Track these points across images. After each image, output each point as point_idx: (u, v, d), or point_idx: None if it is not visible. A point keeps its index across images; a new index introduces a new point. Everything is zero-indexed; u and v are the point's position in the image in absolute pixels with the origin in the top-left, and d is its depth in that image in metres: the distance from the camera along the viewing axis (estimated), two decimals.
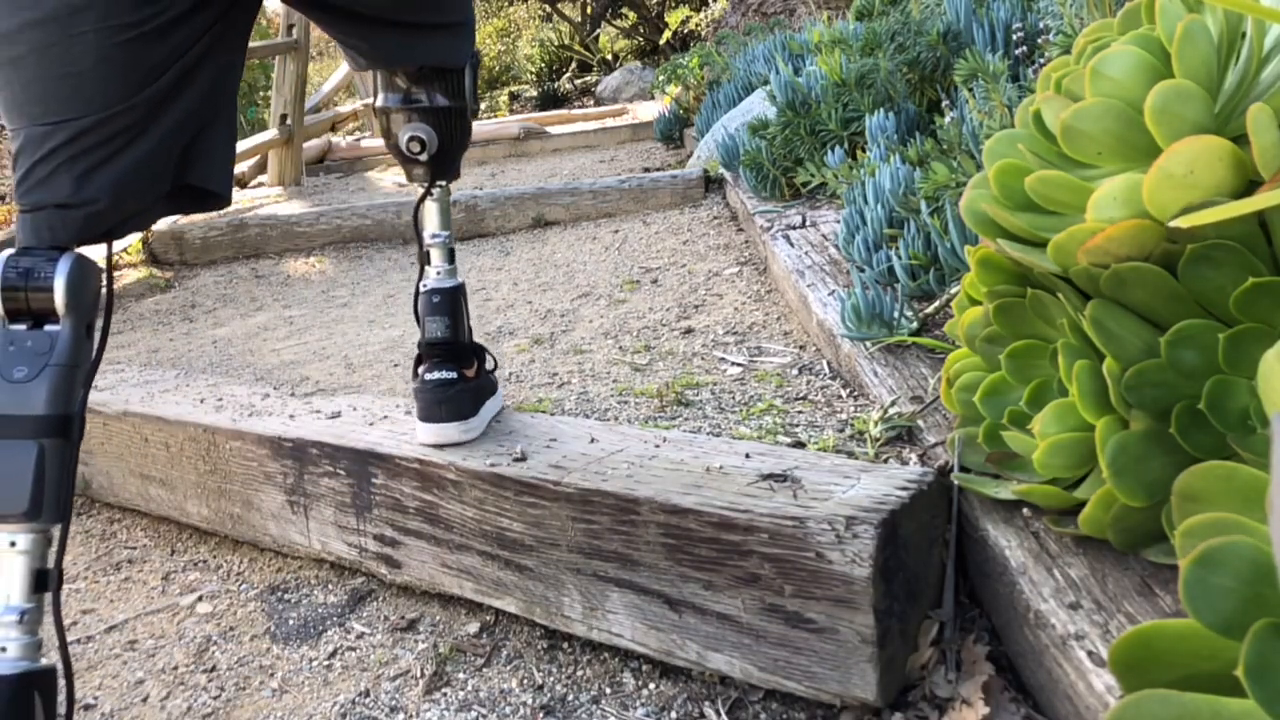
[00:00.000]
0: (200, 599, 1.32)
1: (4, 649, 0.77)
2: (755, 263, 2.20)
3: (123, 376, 1.74)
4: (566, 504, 0.99)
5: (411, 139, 1.11)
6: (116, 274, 3.18)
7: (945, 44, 2.28)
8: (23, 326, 0.80)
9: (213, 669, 1.14)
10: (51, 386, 0.79)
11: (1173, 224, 0.66)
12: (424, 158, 1.13)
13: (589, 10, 12.25)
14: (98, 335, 0.86)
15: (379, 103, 1.13)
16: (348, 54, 1.12)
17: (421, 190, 1.18)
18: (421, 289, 1.18)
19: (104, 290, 0.85)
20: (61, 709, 0.82)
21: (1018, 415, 0.87)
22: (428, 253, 1.20)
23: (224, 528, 1.43)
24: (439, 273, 1.19)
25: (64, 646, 0.82)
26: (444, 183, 1.19)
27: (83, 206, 0.82)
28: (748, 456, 1.00)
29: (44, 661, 0.80)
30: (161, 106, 0.85)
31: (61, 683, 0.82)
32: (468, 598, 1.12)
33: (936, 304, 1.35)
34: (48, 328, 0.80)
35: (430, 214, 1.20)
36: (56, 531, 0.82)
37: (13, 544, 0.79)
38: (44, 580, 0.80)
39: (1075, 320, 0.79)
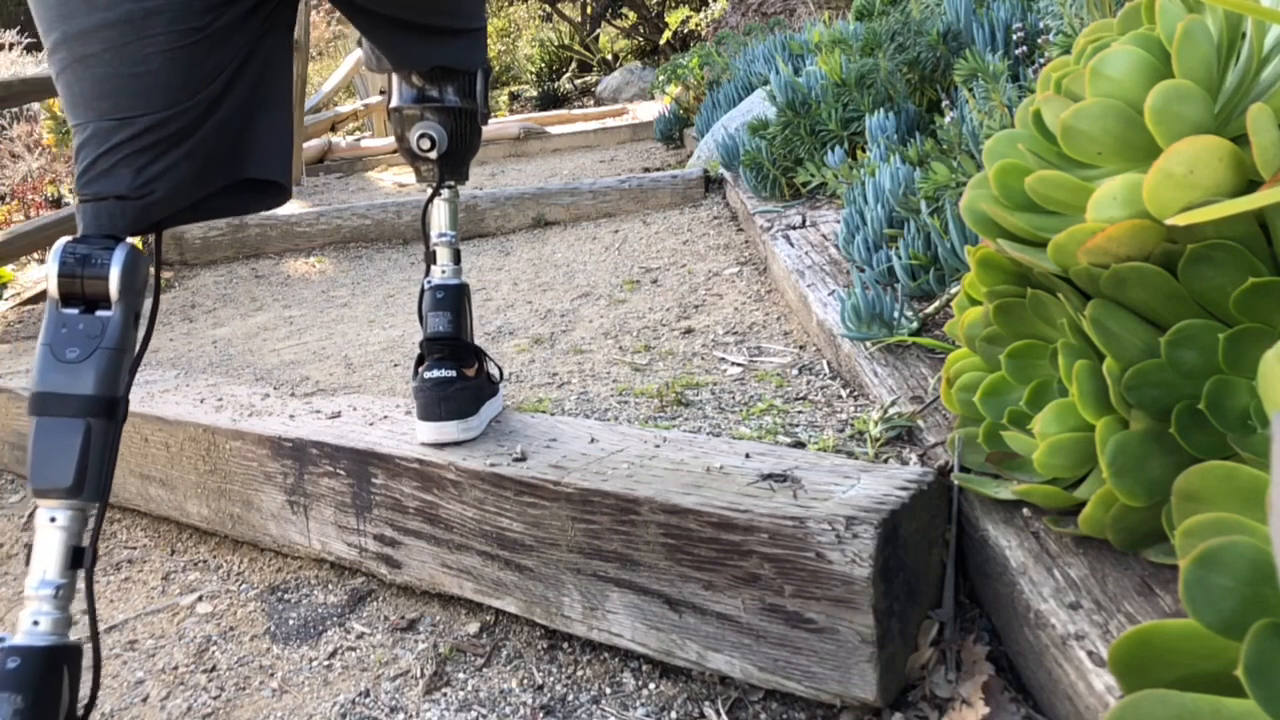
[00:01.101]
0: (200, 599, 1.32)
1: (36, 623, 0.79)
2: (755, 263, 2.20)
3: None
4: (566, 504, 0.99)
5: (422, 136, 1.14)
6: None
7: (945, 44, 2.28)
8: (75, 311, 0.84)
9: (213, 669, 1.14)
10: (101, 368, 0.82)
11: (1170, 221, 0.66)
12: (433, 155, 1.15)
13: (589, 10, 12.26)
14: (143, 327, 0.89)
15: (393, 102, 1.17)
16: (366, 54, 1.16)
17: (430, 190, 1.20)
18: (426, 285, 1.18)
19: (150, 281, 0.89)
20: (86, 688, 0.84)
21: (1018, 415, 0.87)
22: (434, 252, 1.21)
23: (224, 528, 1.43)
24: (444, 271, 1.20)
25: (94, 624, 0.84)
26: (453, 183, 1.20)
27: (141, 199, 0.85)
28: (748, 456, 1.00)
29: (72, 639, 0.82)
30: (216, 104, 0.89)
31: (88, 662, 0.84)
32: (468, 598, 1.12)
33: (936, 304, 1.35)
34: (99, 313, 0.84)
35: (438, 214, 1.21)
36: (92, 512, 0.84)
37: (53, 519, 0.81)
38: (79, 558, 0.82)
39: (1075, 320, 0.79)
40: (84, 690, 0.83)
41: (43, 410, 0.82)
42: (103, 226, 0.86)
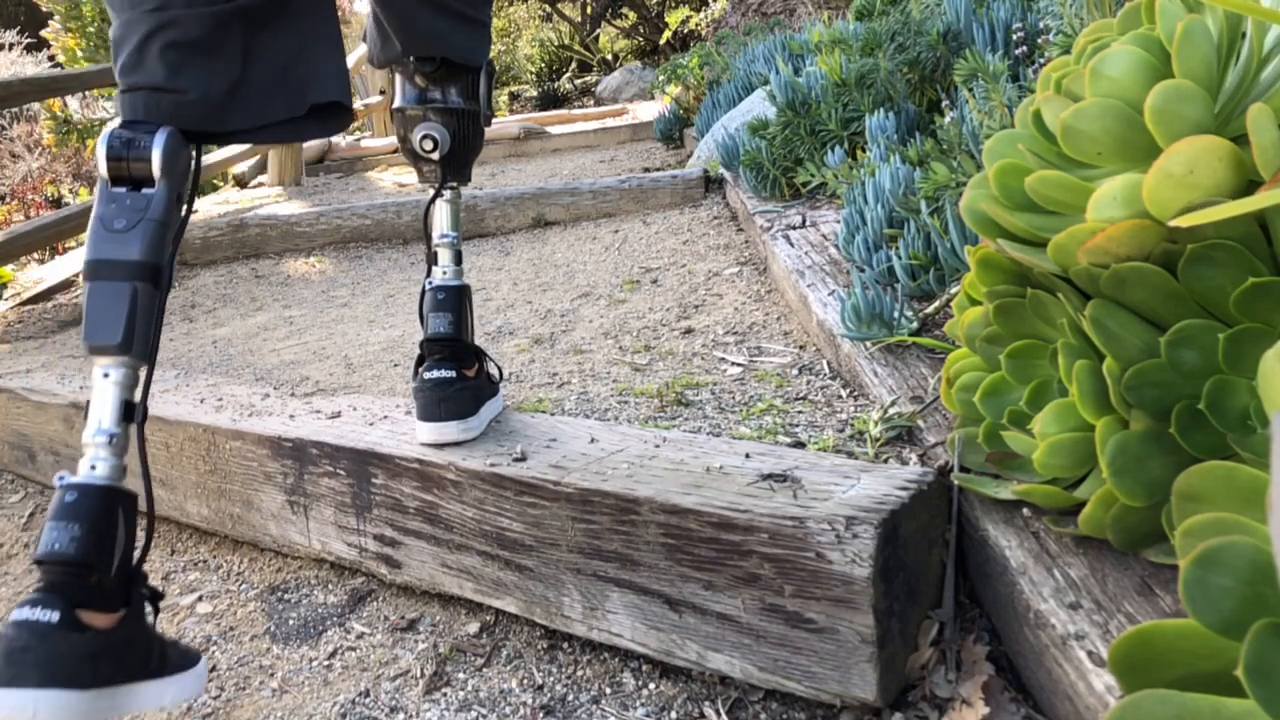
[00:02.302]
0: (200, 599, 1.32)
1: (94, 467, 0.84)
2: (755, 263, 2.20)
3: None
4: (566, 504, 0.99)
5: (425, 137, 1.14)
6: None
7: (945, 44, 2.28)
8: (123, 189, 0.90)
9: (213, 669, 1.14)
10: (146, 238, 0.88)
11: (1172, 223, 0.66)
12: (436, 156, 1.16)
13: (589, 10, 12.27)
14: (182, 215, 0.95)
15: (396, 103, 1.18)
16: (370, 47, 1.17)
17: (432, 191, 1.20)
18: (427, 286, 1.18)
19: (191, 176, 0.95)
20: (142, 532, 0.88)
21: (1018, 415, 0.87)
22: (435, 253, 1.21)
23: (224, 528, 1.43)
24: (445, 272, 1.20)
25: (146, 475, 0.90)
26: (455, 184, 1.21)
27: (173, 93, 0.91)
28: (748, 456, 1.00)
29: (127, 488, 0.86)
30: (248, 16, 0.93)
31: (143, 506, 0.89)
32: (468, 598, 1.12)
33: (936, 304, 1.35)
34: (144, 191, 0.90)
35: (440, 215, 1.21)
36: (142, 373, 0.90)
37: (106, 375, 0.87)
38: (131, 412, 0.88)
39: (1075, 320, 0.79)
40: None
41: (94, 276, 0.88)
42: (137, 113, 0.91)
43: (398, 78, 1.17)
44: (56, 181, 5.75)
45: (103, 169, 0.90)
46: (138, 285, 0.87)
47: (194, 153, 0.95)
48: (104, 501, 0.82)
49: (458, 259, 1.21)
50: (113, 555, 0.81)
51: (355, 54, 7.15)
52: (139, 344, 0.87)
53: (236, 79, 0.93)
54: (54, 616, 0.76)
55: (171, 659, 0.85)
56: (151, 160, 0.89)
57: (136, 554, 0.86)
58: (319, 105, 1.00)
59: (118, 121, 0.91)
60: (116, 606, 0.81)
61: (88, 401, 0.88)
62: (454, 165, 1.20)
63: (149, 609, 0.87)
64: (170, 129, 0.90)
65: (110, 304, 0.87)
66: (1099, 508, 0.75)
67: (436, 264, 1.21)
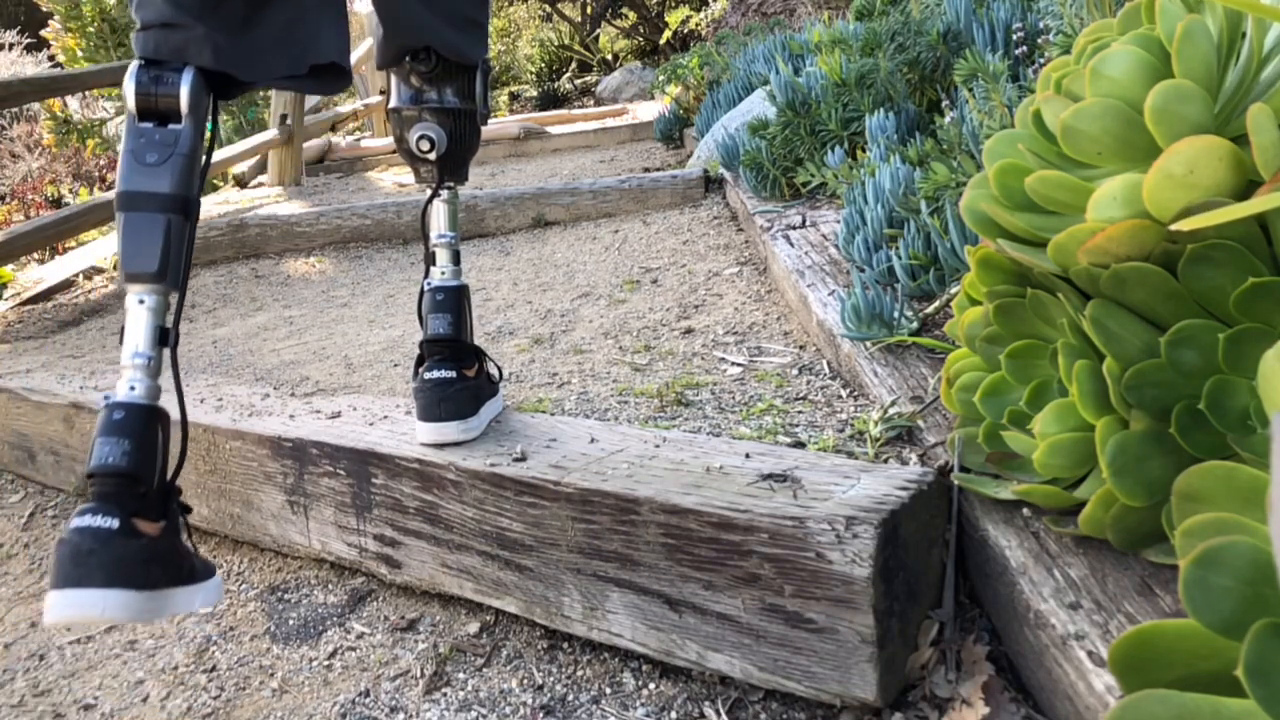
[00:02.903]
0: None
1: (133, 388, 0.89)
2: (755, 263, 2.20)
3: None
4: (566, 504, 0.99)
5: (421, 137, 1.14)
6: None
7: (945, 44, 2.28)
8: (150, 124, 0.94)
9: (213, 669, 1.14)
10: (177, 171, 0.92)
11: (1175, 227, 0.66)
12: (432, 157, 1.16)
13: (589, 10, 12.27)
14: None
15: (392, 103, 1.18)
16: (377, 47, 1.18)
17: (429, 191, 1.20)
18: (426, 287, 1.18)
19: (211, 122, 0.99)
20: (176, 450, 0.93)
21: (1018, 415, 0.87)
22: (433, 253, 1.21)
23: (224, 528, 1.43)
24: (444, 272, 1.20)
25: (180, 391, 0.96)
26: (452, 184, 1.21)
27: (182, 29, 0.94)
28: (748, 456, 1.00)
29: (161, 406, 0.91)
30: None
31: (177, 430, 0.94)
32: (468, 598, 1.12)
33: (936, 304, 1.35)
34: (171, 126, 0.94)
35: (438, 215, 1.21)
36: (173, 300, 0.94)
37: (141, 301, 0.92)
38: (165, 336, 0.93)
39: (1075, 320, 0.79)
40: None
41: (129, 207, 0.92)
42: (147, 50, 0.94)
43: (393, 78, 1.17)
44: (56, 181, 5.75)
45: (131, 104, 0.93)
46: (171, 217, 0.91)
47: (212, 99, 0.98)
48: (147, 420, 0.87)
49: (456, 259, 1.21)
50: (155, 469, 0.87)
51: (357, 52, 7.17)
52: (172, 274, 0.92)
53: (238, 31, 0.97)
54: (114, 523, 0.82)
55: (199, 569, 0.90)
56: (180, 95, 0.93)
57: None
58: (318, 66, 1.04)
59: (139, 62, 0.95)
60: (159, 517, 0.87)
61: (124, 328, 0.92)
62: (451, 165, 1.20)
63: (182, 522, 0.92)
64: (194, 69, 0.94)
65: (146, 234, 0.91)
66: (1099, 508, 0.75)
67: (435, 264, 1.21)
